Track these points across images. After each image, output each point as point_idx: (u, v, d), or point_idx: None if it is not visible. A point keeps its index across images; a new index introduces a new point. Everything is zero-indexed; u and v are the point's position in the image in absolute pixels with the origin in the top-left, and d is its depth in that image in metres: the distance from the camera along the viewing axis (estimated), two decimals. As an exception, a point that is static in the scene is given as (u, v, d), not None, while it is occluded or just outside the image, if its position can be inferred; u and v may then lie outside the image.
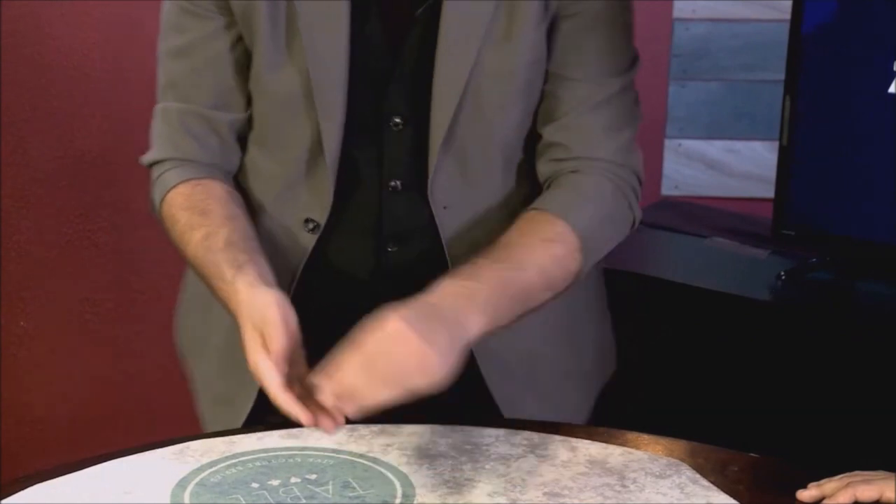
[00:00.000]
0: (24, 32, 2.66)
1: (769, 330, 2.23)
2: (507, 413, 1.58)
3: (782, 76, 2.29)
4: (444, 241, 1.52)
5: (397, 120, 1.50)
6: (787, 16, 2.26)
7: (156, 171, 1.55)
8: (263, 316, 1.31)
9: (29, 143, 2.72)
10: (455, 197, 1.52)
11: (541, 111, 1.54)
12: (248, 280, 1.36)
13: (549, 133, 1.52)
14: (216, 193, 1.51)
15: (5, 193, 2.75)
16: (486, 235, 1.49)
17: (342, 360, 1.25)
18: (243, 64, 1.51)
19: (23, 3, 2.64)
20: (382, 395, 1.24)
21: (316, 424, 1.25)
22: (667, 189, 3.24)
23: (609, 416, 2.30)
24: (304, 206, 1.52)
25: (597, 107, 1.51)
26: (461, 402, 1.45)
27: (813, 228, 2.30)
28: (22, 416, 2.84)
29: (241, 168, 1.58)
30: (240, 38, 1.50)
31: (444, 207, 1.52)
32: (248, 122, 1.55)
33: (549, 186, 1.53)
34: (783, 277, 2.28)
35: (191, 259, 1.48)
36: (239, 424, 1.58)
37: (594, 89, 1.51)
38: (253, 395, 1.56)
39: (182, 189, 1.51)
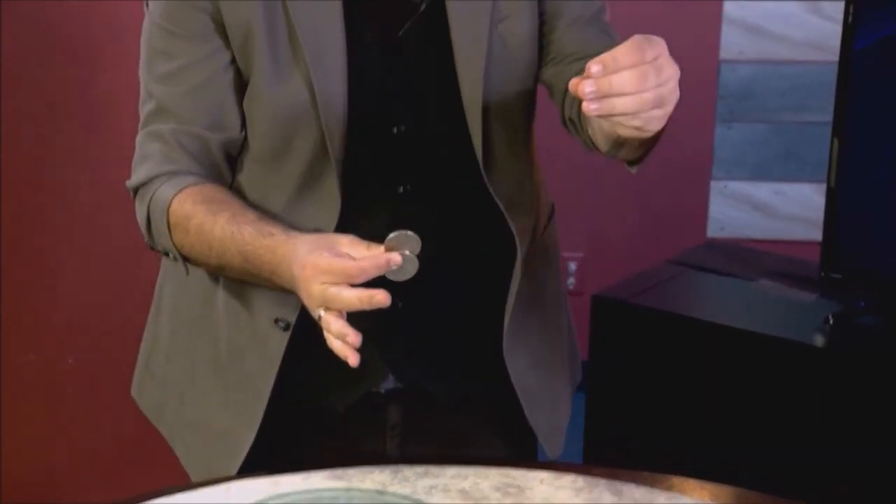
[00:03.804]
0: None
1: (817, 374, 2.21)
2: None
3: (830, 118, 2.28)
4: (512, 224, 1.54)
5: (400, 127, 1.52)
6: (835, 57, 2.26)
7: (146, 191, 1.50)
8: (329, 237, 1.35)
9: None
10: (512, 183, 1.55)
11: (549, 49, 1.57)
12: (305, 233, 1.40)
13: (560, 46, 1.55)
14: (227, 191, 1.51)
15: (50, 232, 2.78)
16: (527, 191, 1.58)
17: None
18: (237, 85, 1.51)
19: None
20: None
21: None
22: (713, 231, 3.24)
23: (655, 459, 2.28)
24: (310, 218, 1.51)
25: (591, 22, 1.55)
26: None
27: (861, 272, 2.28)
28: (72, 448, 2.87)
29: (238, 189, 1.56)
30: (233, 60, 1.50)
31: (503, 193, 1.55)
32: (242, 143, 1.55)
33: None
34: (831, 321, 2.26)
35: (217, 240, 1.44)
36: (240, 460, 1.56)
37: (586, 6, 1.56)
38: (255, 426, 1.56)
39: (189, 191, 1.47)
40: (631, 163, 1.47)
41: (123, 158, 1.57)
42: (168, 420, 1.67)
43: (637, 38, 1.20)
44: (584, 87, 1.18)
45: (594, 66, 1.18)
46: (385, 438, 1.62)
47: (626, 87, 1.18)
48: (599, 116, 1.22)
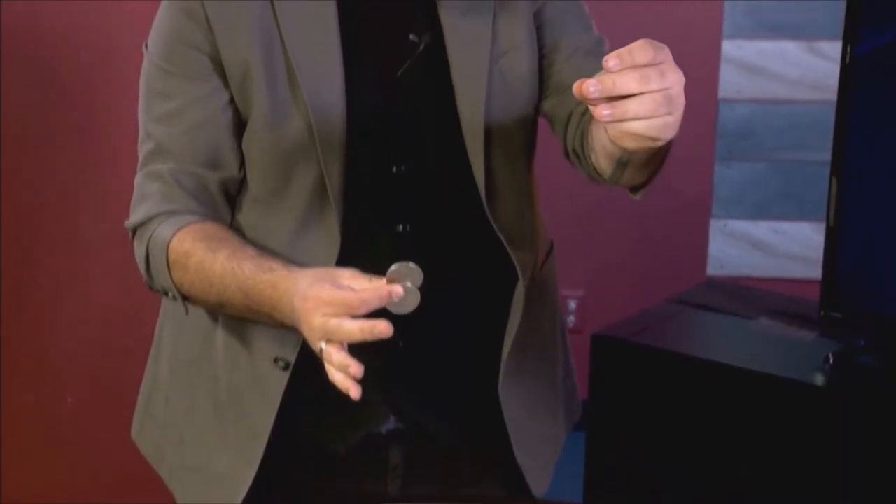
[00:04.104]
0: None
1: (817, 413, 2.20)
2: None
3: (828, 157, 2.28)
4: (514, 258, 1.54)
5: (400, 166, 1.52)
6: (833, 96, 2.26)
7: (145, 231, 1.51)
8: (330, 271, 1.34)
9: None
10: (513, 217, 1.56)
11: (549, 82, 1.58)
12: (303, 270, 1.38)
13: (560, 78, 1.56)
14: (226, 228, 1.51)
15: (49, 272, 2.78)
16: (527, 225, 1.59)
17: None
18: (235, 124, 1.51)
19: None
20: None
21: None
22: (712, 269, 3.23)
23: (655, 498, 2.27)
24: (310, 256, 1.50)
25: (590, 53, 1.56)
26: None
27: (861, 311, 2.28)
28: (71, 489, 2.88)
29: (238, 229, 1.56)
30: (231, 100, 1.50)
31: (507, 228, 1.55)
32: (242, 183, 1.54)
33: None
34: (831, 360, 2.26)
35: (218, 276, 1.43)
36: (239, 501, 1.56)
37: (584, 38, 1.57)
38: (254, 466, 1.55)
39: (188, 229, 1.47)
40: (634, 190, 1.47)
41: (123, 198, 1.57)
42: (168, 462, 1.66)
43: (645, 40, 1.19)
44: (588, 85, 1.17)
45: (611, 60, 1.17)
46: (386, 480, 1.61)
47: (631, 86, 1.17)
48: (611, 122, 1.20)
